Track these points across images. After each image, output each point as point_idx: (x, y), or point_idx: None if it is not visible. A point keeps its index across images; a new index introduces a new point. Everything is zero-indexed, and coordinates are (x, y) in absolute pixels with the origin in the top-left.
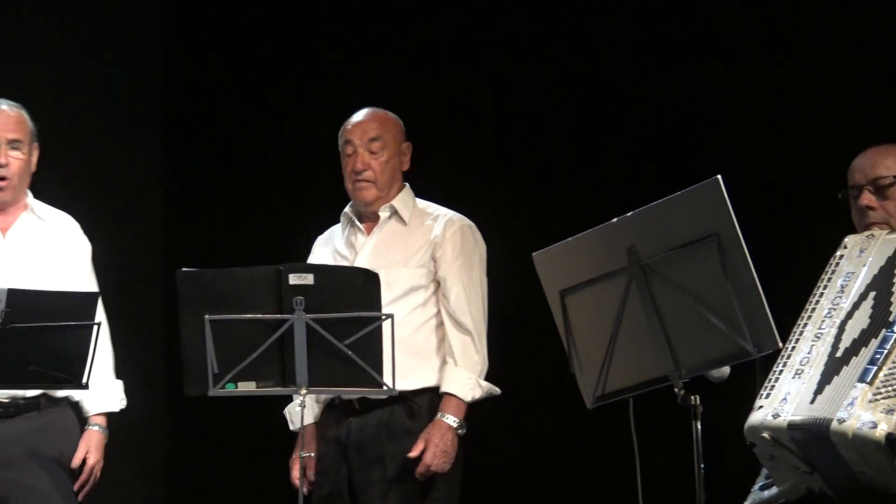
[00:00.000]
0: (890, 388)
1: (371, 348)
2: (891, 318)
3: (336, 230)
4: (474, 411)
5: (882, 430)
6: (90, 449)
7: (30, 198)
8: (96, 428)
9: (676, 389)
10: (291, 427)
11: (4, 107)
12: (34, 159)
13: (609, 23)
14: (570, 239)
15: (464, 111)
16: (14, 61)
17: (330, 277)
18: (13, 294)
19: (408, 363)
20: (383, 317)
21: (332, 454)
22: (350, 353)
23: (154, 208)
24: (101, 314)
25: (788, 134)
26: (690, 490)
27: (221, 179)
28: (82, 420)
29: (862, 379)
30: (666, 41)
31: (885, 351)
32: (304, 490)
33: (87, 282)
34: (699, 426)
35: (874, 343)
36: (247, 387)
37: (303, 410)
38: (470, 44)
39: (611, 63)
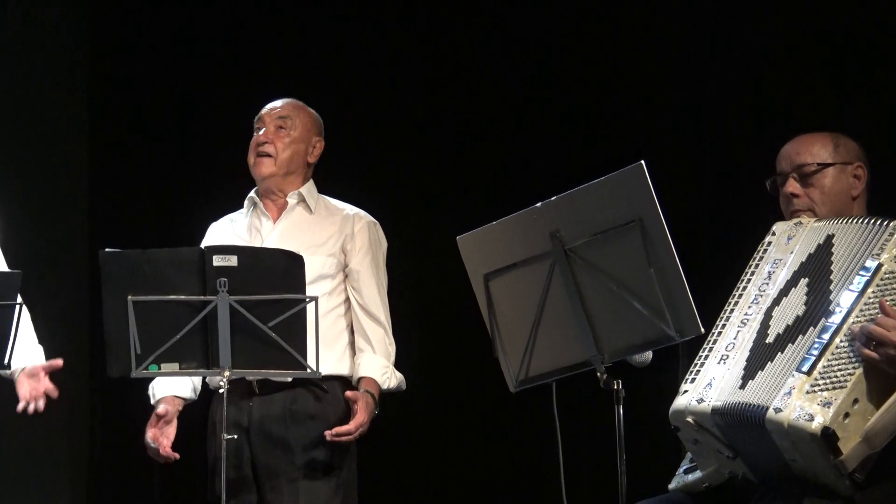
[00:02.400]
0: (827, 381)
1: (295, 331)
2: (830, 308)
3: (235, 216)
4: (395, 395)
5: (818, 423)
6: (34, 388)
7: None
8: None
9: (599, 374)
10: (152, 401)
11: None
12: None
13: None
14: (494, 223)
15: (379, 101)
16: None
17: (254, 259)
18: None
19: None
20: (307, 299)
21: (232, 437)
22: (274, 335)
23: (78, 185)
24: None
25: (716, 119)
26: (613, 473)
27: (147, 158)
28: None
29: (800, 368)
30: (590, 18)
31: (825, 342)
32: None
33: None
34: (621, 410)
35: (812, 332)
36: (170, 368)
37: (225, 393)
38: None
39: (534, 46)
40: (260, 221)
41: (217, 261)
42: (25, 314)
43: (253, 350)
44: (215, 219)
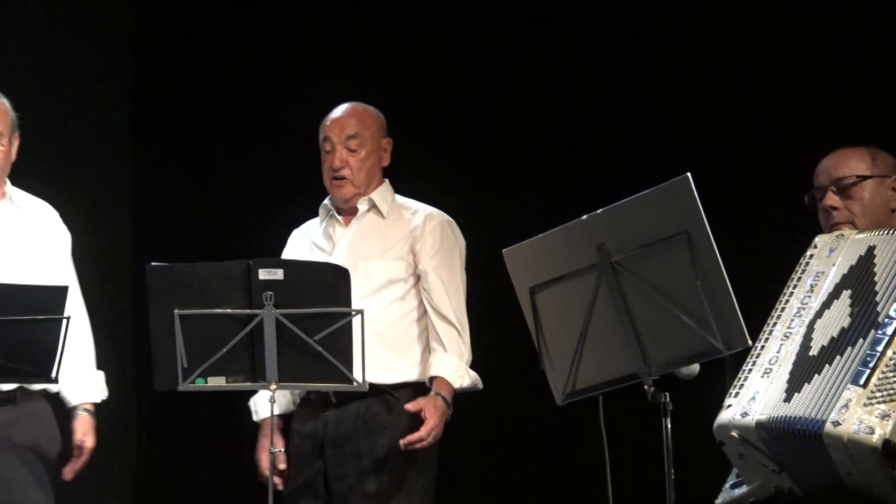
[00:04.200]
0: (884, 393)
1: (341, 344)
2: (879, 319)
3: (314, 223)
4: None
5: (879, 436)
6: (86, 432)
7: (8, 186)
8: (87, 413)
9: (646, 387)
10: (255, 418)
11: None
12: (14, 149)
13: (580, 20)
14: (540, 236)
15: (441, 108)
16: None
17: (300, 272)
18: None
19: (385, 356)
20: (353, 312)
21: (306, 449)
22: (320, 348)
23: (124, 201)
24: (80, 306)
25: (760, 132)
26: (660, 487)
27: (192, 172)
28: (61, 412)
29: (855, 381)
30: (637, 37)
31: (878, 353)
32: (274, 484)
33: (66, 272)
34: (669, 424)
35: (862, 344)
36: (216, 382)
37: (272, 406)
38: (446, 42)
39: (582, 60)
40: (334, 228)
41: (263, 274)
42: (88, 333)
43: (299, 363)
44: (263, 230)
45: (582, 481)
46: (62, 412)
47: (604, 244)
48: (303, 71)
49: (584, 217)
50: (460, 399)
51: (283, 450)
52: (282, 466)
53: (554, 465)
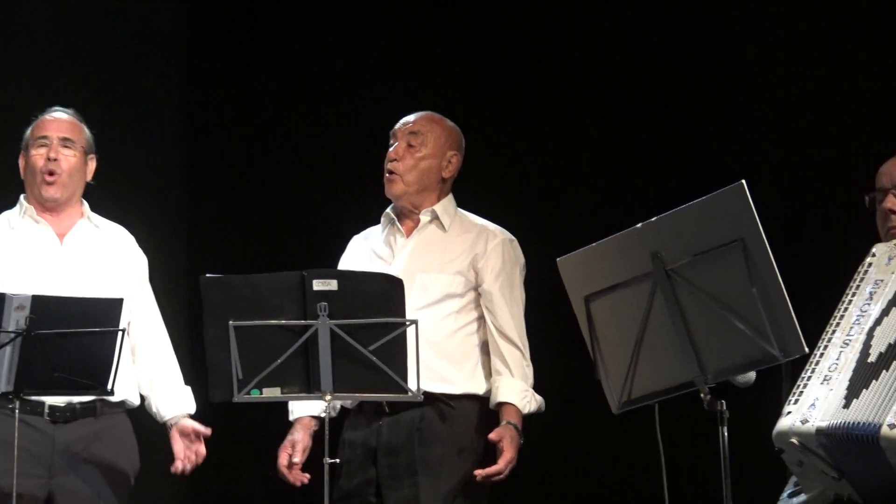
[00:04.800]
0: None
1: (395, 353)
2: None
3: (375, 230)
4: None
5: None
6: (187, 443)
7: (86, 206)
8: (184, 421)
9: (702, 395)
10: (290, 417)
11: (58, 112)
12: (90, 168)
13: (633, 27)
14: (594, 244)
15: (493, 121)
16: (38, 68)
17: (354, 283)
18: (38, 300)
19: (440, 367)
20: (407, 322)
21: (359, 458)
22: (374, 358)
23: (177, 212)
24: (161, 326)
25: (814, 137)
26: (717, 496)
27: (245, 182)
28: (150, 425)
29: None
30: (689, 44)
31: None
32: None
33: (144, 294)
34: (726, 432)
35: None
36: (271, 393)
37: (328, 416)
38: (504, 54)
39: (637, 67)
40: (395, 238)
41: (317, 285)
42: (171, 350)
43: (354, 373)
44: (317, 240)
45: (638, 491)
46: (145, 428)
47: (659, 252)
48: (362, 79)
49: (639, 225)
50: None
51: (298, 445)
52: (296, 459)
53: (610, 475)
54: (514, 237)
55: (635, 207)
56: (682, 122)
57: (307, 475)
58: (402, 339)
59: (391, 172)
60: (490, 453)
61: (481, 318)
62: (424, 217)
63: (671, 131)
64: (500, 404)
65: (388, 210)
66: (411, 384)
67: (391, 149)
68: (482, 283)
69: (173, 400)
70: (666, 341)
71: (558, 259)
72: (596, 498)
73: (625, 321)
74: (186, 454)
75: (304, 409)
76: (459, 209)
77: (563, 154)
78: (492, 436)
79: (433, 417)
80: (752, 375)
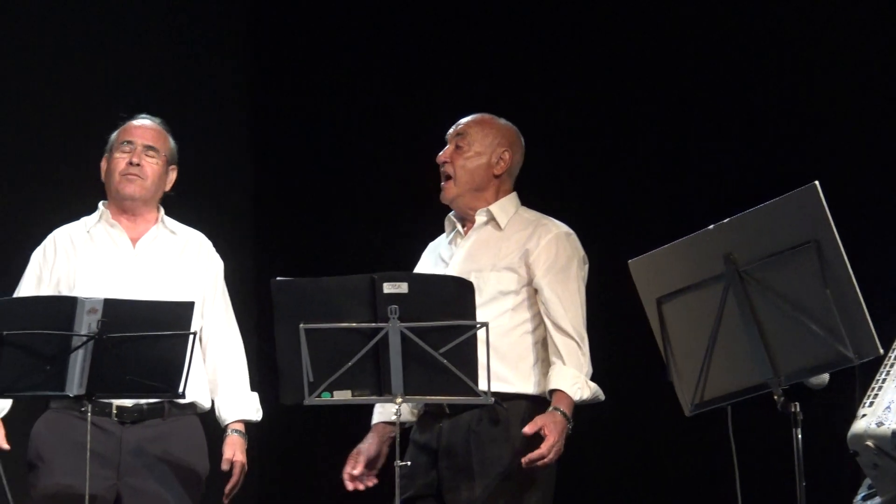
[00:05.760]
0: None
1: (466, 356)
2: None
3: (443, 236)
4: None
5: None
6: (235, 451)
7: (161, 212)
8: (236, 434)
9: (776, 397)
10: (374, 421)
11: (146, 119)
12: (170, 177)
13: (701, 26)
14: (666, 246)
15: (559, 121)
16: (114, 77)
17: (424, 286)
18: (110, 304)
19: (496, 367)
20: (478, 325)
21: (422, 460)
22: (445, 361)
23: (245, 216)
24: (234, 330)
25: (887, 137)
26: (791, 499)
27: (312, 186)
28: (216, 429)
29: None
30: (761, 44)
31: None
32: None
33: (218, 297)
34: (800, 434)
35: None
36: (342, 395)
37: (398, 419)
38: (565, 52)
39: (707, 67)
40: (456, 242)
41: (388, 288)
42: (242, 355)
43: (424, 376)
44: (384, 244)
45: (711, 494)
46: (218, 431)
47: (731, 254)
48: (429, 83)
49: (711, 227)
50: (584, 410)
51: (362, 456)
52: (356, 471)
53: (683, 478)
54: (571, 231)
55: (707, 209)
56: (754, 121)
57: (361, 485)
58: (473, 341)
59: (444, 177)
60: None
61: (538, 316)
62: (480, 217)
63: (743, 131)
64: (551, 392)
65: (450, 214)
66: (481, 387)
67: (440, 153)
68: (534, 278)
69: (235, 405)
70: (739, 343)
71: (630, 261)
72: (669, 501)
73: (697, 323)
74: (228, 484)
75: (380, 416)
76: (523, 207)
77: (634, 155)
78: (526, 429)
79: (489, 419)
80: (825, 377)
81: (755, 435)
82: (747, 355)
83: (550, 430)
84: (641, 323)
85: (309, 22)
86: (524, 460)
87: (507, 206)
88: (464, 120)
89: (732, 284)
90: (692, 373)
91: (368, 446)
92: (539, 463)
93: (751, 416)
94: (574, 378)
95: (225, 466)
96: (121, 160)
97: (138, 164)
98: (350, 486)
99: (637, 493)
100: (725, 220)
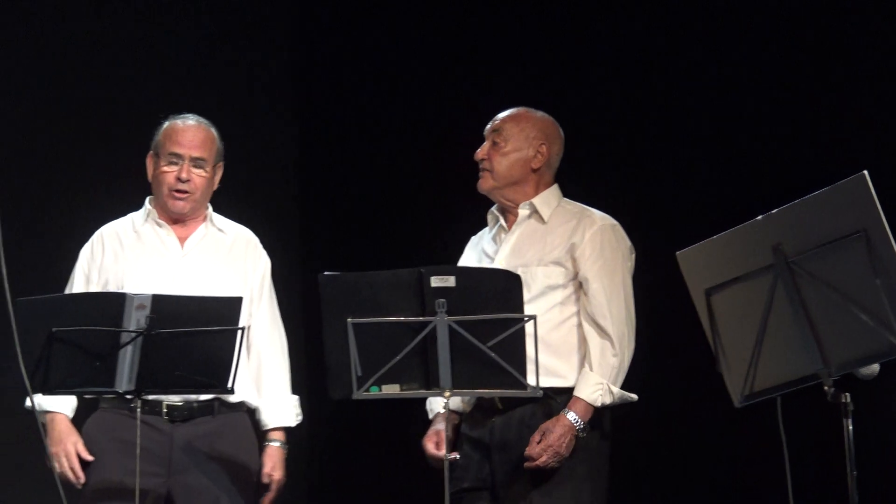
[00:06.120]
0: None
1: (514, 349)
2: None
3: (486, 230)
4: (620, 410)
5: None
6: (274, 465)
7: (209, 210)
8: (276, 444)
9: (826, 387)
10: (429, 416)
11: (192, 122)
12: (217, 178)
13: (745, 13)
14: (714, 237)
15: (604, 111)
16: (154, 72)
17: (471, 279)
18: (158, 300)
19: (547, 361)
20: (526, 318)
21: (475, 455)
22: (493, 354)
23: (290, 211)
24: (278, 329)
25: None
26: (842, 490)
27: (358, 181)
28: (258, 430)
29: None
30: (804, 34)
31: None
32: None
33: (266, 298)
34: (850, 425)
35: None
36: (391, 389)
37: (447, 412)
38: (608, 45)
39: (755, 56)
40: (500, 236)
41: (435, 281)
42: (284, 356)
43: (473, 370)
44: (423, 237)
45: (761, 486)
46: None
47: (780, 244)
48: (469, 77)
49: (759, 217)
50: (633, 404)
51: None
52: (441, 453)
53: (732, 469)
54: (616, 222)
55: (755, 199)
56: (803, 111)
57: (455, 453)
58: (521, 334)
59: (481, 170)
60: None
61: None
62: (523, 211)
63: (792, 121)
64: (572, 397)
65: (493, 208)
66: (530, 380)
67: (478, 149)
68: (579, 271)
69: (274, 410)
70: (788, 334)
71: (678, 253)
72: (719, 493)
73: (746, 314)
74: (270, 495)
75: (440, 406)
76: (566, 199)
77: (681, 145)
78: (535, 435)
79: (543, 413)
80: (875, 367)
81: (806, 426)
82: (797, 346)
83: (549, 433)
84: (690, 313)
85: (353, 14)
86: (525, 464)
87: (549, 199)
88: (499, 116)
89: (781, 275)
90: (741, 364)
91: (445, 427)
92: (527, 465)
93: (801, 407)
94: (596, 385)
95: (265, 480)
96: (169, 174)
97: (187, 181)
98: (442, 455)
99: (689, 485)
100: (774, 211)
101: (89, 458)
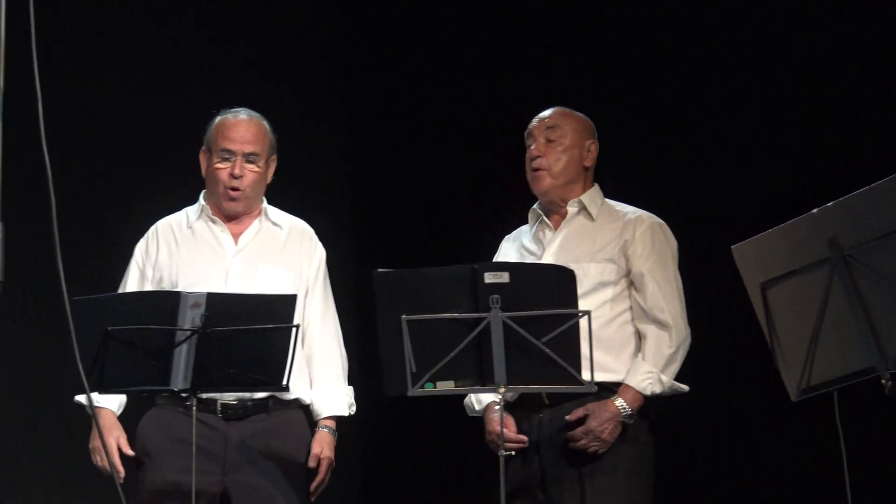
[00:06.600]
0: None
1: (568, 345)
2: None
3: (524, 229)
4: (671, 406)
5: None
6: (322, 447)
7: (264, 204)
8: (325, 429)
9: (883, 381)
10: (477, 407)
11: (243, 116)
12: (270, 171)
13: (795, 7)
14: (769, 231)
15: (649, 107)
16: (208, 67)
17: (525, 275)
18: (213, 298)
19: (599, 356)
20: (580, 313)
21: (522, 451)
22: (548, 350)
23: (343, 208)
24: (333, 320)
25: None
26: None
27: (410, 176)
28: (313, 423)
29: None
30: (859, 22)
31: None
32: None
33: (320, 289)
34: None
35: None
36: (445, 386)
37: (501, 409)
38: (654, 39)
39: (807, 47)
40: (544, 233)
41: (489, 278)
42: (340, 348)
43: (527, 366)
44: (477, 233)
45: (818, 480)
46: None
47: (836, 237)
48: (513, 76)
49: (815, 210)
50: (686, 398)
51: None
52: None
53: (789, 464)
54: (663, 221)
55: (809, 192)
56: (857, 102)
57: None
58: (575, 329)
59: (537, 169)
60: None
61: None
62: (572, 208)
63: (847, 113)
64: (621, 384)
65: (535, 206)
66: (584, 375)
67: (531, 147)
68: (632, 269)
69: (327, 400)
70: (845, 327)
71: (733, 247)
72: (775, 488)
73: (802, 308)
74: (319, 476)
75: (490, 396)
76: (607, 199)
77: (738, 139)
78: (570, 416)
79: None
80: None
81: (863, 420)
82: (854, 340)
83: (592, 417)
84: (745, 307)
85: (406, 11)
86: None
87: (595, 197)
88: (548, 113)
89: (838, 268)
90: (798, 358)
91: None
92: (572, 445)
93: (858, 401)
94: (646, 374)
95: (312, 463)
96: (222, 171)
97: (240, 177)
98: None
99: (746, 479)
100: (829, 204)
101: (130, 452)
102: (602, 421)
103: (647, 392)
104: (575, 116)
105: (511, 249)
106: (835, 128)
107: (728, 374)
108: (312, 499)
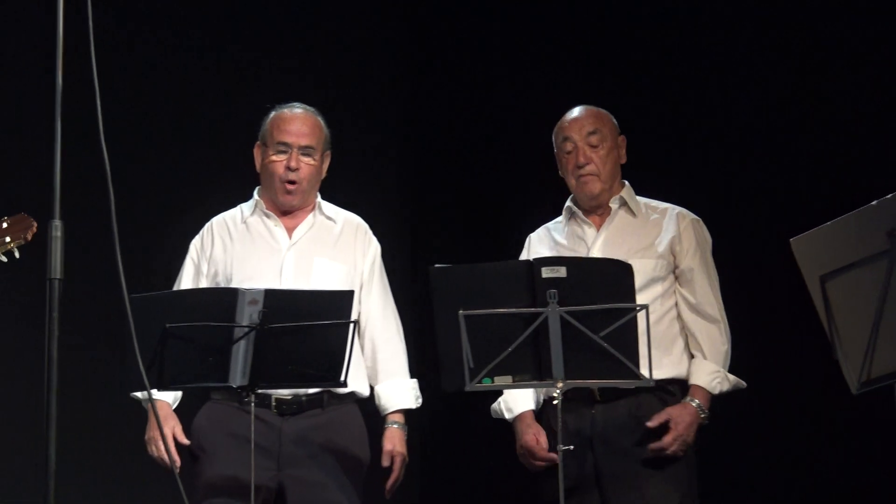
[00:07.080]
0: None
1: (626, 339)
2: None
3: (553, 225)
4: (733, 399)
5: None
6: (395, 445)
7: (318, 198)
8: (395, 425)
9: None
10: (508, 416)
11: (299, 110)
12: (325, 166)
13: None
14: (828, 223)
15: (692, 103)
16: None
17: (583, 269)
18: (270, 294)
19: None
20: (638, 307)
21: (575, 447)
22: (606, 344)
23: (398, 202)
24: (392, 314)
25: None
26: None
27: (464, 171)
28: (377, 416)
29: None
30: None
31: None
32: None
33: (378, 283)
34: None
35: None
36: (503, 381)
37: (560, 404)
38: (692, 39)
39: (860, 46)
40: (582, 230)
41: (546, 272)
42: (400, 341)
43: (585, 360)
44: (531, 229)
45: (878, 474)
46: (374, 418)
47: (894, 230)
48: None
49: (874, 202)
50: (743, 393)
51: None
52: (545, 454)
53: (848, 457)
54: (699, 217)
55: (868, 184)
56: None
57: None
58: (633, 324)
59: (587, 175)
60: (702, 437)
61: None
62: (614, 204)
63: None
64: (691, 386)
65: (569, 203)
66: (643, 369)
67: (576, 154)
68: (680, 265)
69: (393, 393)
70: None
71: (792, 240)
72: (834, 479)
73: (862, 300)
74: (392, 459)
75: (521, 405)
76: (637, 196)
77: (799, 133)
78: (650, 423)
79: (651, 403)
80: None
81: None
82: None
83: (677, 421)
84: (803, 300)
85: (462, 10)
86: (650, 448)
87: (632, 193)
88: (582, 114)
89: None
90: (858, 351)
91: (537, 435)
92: (661, 454)
93: None
94: (713, 373)
95: (385, 461)
96: (278, 164)
97: (296, 169)
98: (547, 459)
99: (803, 472)
100: (889, 196)
101: (186, 441)
102: (687, 425)
103: (717, 391)
104: (607, 116)
105: (542, 246)
106: (890, 120)
107: (790, 367)
108: (388, 496)
